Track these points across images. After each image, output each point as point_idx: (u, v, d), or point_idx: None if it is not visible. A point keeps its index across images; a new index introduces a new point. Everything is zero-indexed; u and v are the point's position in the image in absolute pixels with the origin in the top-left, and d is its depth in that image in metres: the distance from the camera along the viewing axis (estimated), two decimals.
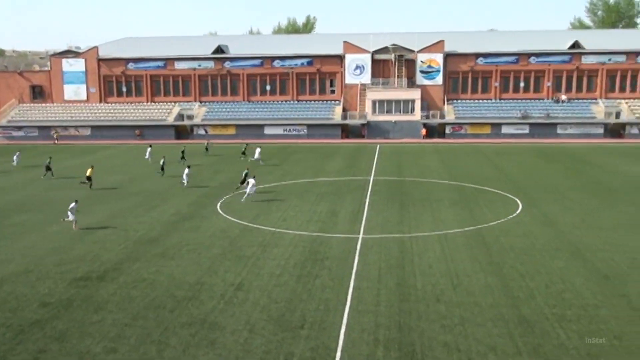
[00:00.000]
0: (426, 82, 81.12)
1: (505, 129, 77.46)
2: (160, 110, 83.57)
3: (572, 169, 51.52)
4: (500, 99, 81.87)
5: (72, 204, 32.17)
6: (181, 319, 20.06)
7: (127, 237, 30.40)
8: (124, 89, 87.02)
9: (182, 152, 58.06)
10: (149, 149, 59.81)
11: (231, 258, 26.67)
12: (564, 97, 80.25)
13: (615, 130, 77.19)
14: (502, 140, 75.28)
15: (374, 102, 79.76)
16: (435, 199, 39.01)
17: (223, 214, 35.45)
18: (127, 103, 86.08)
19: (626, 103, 78.80)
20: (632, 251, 27.24)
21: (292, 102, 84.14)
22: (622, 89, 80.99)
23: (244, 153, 60.16)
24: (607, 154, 61.83)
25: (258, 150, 57.88)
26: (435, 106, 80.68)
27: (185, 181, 44.67)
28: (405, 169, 52.39)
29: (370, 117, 79.60)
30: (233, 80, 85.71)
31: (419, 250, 27.52)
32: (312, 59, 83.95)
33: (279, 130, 79.35)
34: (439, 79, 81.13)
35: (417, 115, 78.94)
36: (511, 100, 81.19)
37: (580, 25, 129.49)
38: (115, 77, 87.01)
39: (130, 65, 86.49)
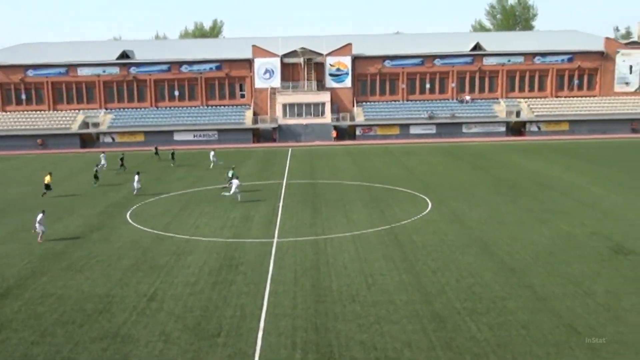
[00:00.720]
0: (335, 84, 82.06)
1: (413, 130, 79.43)
2: (64, 119, 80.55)
3: (477, 167, 53.40)
4: (407, 100, 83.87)
5: (40, 215, 31.01)
6: (92, 334, 19.40)
7: (31, 252, 29.11)
8: (24, 97, 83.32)
9: (121, 159, 56.43)
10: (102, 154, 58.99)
11: (143, 268, 26.04)
12: (467, 97, 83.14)
13: (516, 128, 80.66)
14: (411, 140, 77.15)
15: (284, 106, 79.94)
16: (348, 200, 39.50)
17: (133, 223, 34.57)
18: (28, 112, 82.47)
19: (525, 102, 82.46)
20: (535, 244, 28.53)
21: (201, 107, 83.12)
22: (521, 88, 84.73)
23: (156, 154, 60.18)
24: (509, 151, 64.49)
25: (212, 153, 58.39)
26: (345, 108, 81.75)
27: (136, 188, 43.49)
28: (317, 172, 52.78)
29: (282, 121, 79.74)
30: (140, 86, 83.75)
31: (333, 252, 27.77)
32: (221, 63, 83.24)
33: (189, 136, 78.18)
34: (348, 82, 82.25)
35: (327, 117, 79.73)
36: (418, 102, 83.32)
37: (480, 28, 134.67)
38: (14, 85, 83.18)
39: (30, 72, 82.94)
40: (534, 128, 79.86)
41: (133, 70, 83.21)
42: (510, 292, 22.30)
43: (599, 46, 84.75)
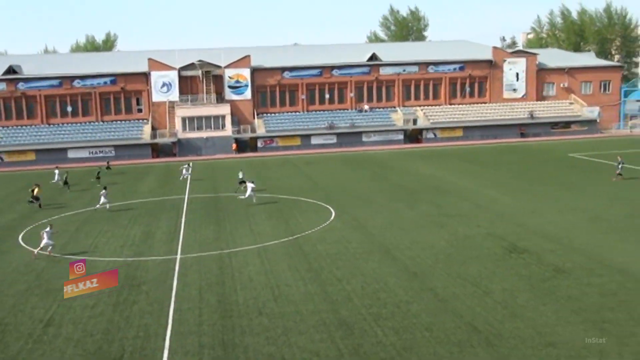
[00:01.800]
0: (235, 97, 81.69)
1: (314, 140, 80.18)
2: None
3: (377, 175, 54.56)
4: (307, 111, 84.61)
5: (48, 229, 30.63)
6: None
7: None
8: None
9: (65, 177, 53.79)
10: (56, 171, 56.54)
11: (38, 293, 24.84)
12: (366, 106, 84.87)
13: (414, 135, 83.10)
14: (312, 150, 77.84)
15: (183, 119, 78.73)
16: (251, 213, 39.33)
17: (26, 246, 32.94)
18: None
19: (421, 110, 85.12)
20: (435, 247, 29.45)
21: (96, 122, 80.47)
22: (417, 97, 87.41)
23: (98, 178, 55.84)
24: (407, 158, 66.32)
25: (185, 166, 58.10)
26: (245, 120, 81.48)
27: (100, 203, 42.06)
28: (220, 185, 52.26)
29: (181, 135, 78.47)
30: (29, 102, 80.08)
31: (238, 265, 27.56)
32: (116, 77, 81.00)
33: (84, 153, 75.40)
34: (248, 94, 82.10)
35: (228, 130, 79.16)
36: (318, 112, 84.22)
37: (376, 39, 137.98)
38: None
39: None
40: (430, 135, 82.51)
41: (21, 86, 79.52)
42: (413, 295, 22.87)
43: (488, 55, 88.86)
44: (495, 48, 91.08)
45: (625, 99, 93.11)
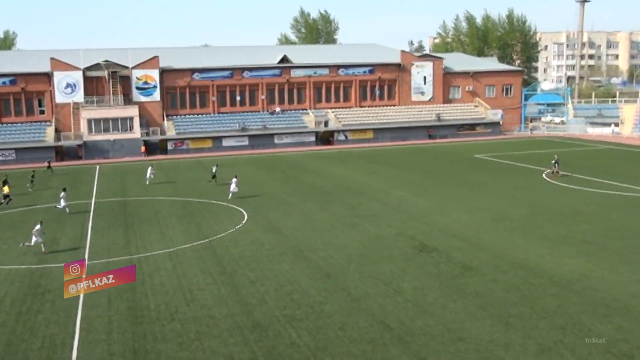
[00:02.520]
0: (143, 98, 79.81)
1: (225, 142, 79.46)
2: None
3: (290, 177, 54.74)
4: (218, 113, 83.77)
5: (37, 227, 30.99)
6: None
7: None
8: None
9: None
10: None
11: None
12: (278, 109, 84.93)
13: (325, 137, 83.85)
14: (224, 152, 77.13)
15: (89, 121, 76.20)
16: (162, 217, 38.61)
17: None
18: None
19: (332, 112, 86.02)
20: (347, 247, 29.88)
21: None
22: (328, 99, 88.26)
23: (32, 181, 52.59)
24: (319, 160, 66.88)
25: (150, 168, 55.21)
26: (154, 122, 79.77)
27: (61, 205, 41.01)
28: (128, 189, 50.95)
29: (87, 137, 75.90)
30: None
31: (149, 270, 27.00)
32: (15, 77, 77.40)
33: None
34: (157, 95, 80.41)
35: (136, 132, 77.23)
36: (229, 114, 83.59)
37: (286, 41, 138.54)
38: None
39: None
40: (341, 137, 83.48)
41: None
42: (326, 296, 23.12)
43: (396, 59, 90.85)
44: (403, 52, 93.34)
45: (525, 103, 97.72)
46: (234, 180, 44.61)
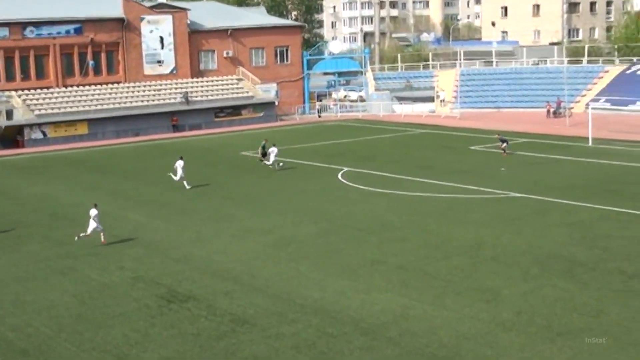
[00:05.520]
0: None
1: None
2: None
3: None
4: None
5: (93, 210, 37.42)
6: None
7: None
8: None
9: None
10: None
11: None
12: None
13: (10, 136, 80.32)
14: None
15: None
16: None
17: None
18: None
19: (19, 97, 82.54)
20: (53, 308, 29.10)
21: None
22: (11, 76, 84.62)
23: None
24: (1, 172, 64.17)
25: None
26: None
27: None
28: None
29: None
30: None
31: None
32: None
33: None
34: None
35: None
36: None
37: None
38: None
39: None
40: (37, 134, 79.58)
41: None
42: None
43: (118, 11, 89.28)
44: (127, 1, 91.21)
45: (309, 72, 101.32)
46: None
